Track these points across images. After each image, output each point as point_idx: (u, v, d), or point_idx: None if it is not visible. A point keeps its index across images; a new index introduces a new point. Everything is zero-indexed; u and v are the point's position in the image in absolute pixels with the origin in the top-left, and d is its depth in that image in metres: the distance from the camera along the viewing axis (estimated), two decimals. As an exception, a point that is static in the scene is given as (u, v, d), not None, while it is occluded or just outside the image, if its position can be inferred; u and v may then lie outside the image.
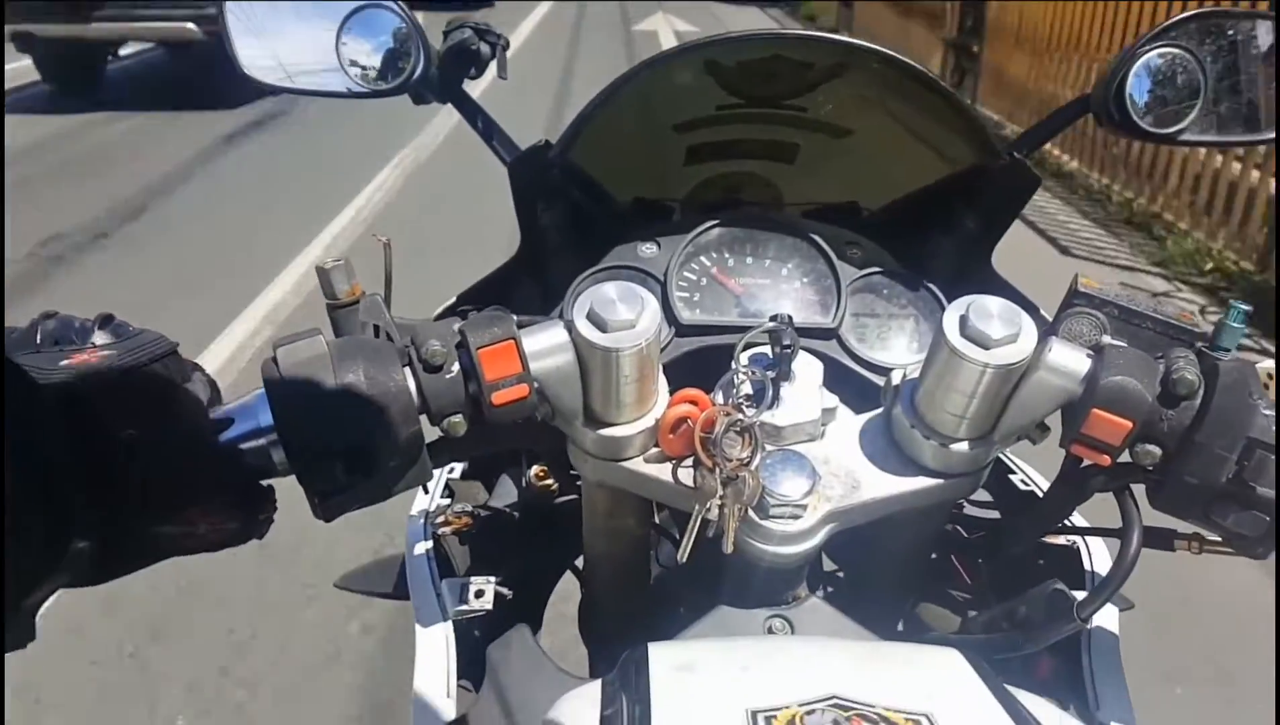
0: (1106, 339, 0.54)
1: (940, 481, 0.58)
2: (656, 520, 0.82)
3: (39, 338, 0.47)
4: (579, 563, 0.79)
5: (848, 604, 0.66)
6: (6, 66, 6.94)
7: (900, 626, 0.75)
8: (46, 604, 0.41)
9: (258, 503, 0.50)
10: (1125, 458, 0.52)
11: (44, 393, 0.40)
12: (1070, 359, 0.52)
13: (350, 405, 0.47)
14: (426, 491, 0.79)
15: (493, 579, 0.67)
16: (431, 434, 0.54)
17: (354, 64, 0.86)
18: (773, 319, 0.60)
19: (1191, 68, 0.81)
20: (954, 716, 0.42)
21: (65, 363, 0.42)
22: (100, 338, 0.48)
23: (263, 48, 0.87)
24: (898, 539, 0.68)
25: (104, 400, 0.42)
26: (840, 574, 0.78)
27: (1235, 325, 0.54)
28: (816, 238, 0.80)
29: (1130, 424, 0.49)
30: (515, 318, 0.55)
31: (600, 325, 0.52)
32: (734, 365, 0.59)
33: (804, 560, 0.60)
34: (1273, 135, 0.85)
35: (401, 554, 0.77)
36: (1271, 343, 2.79)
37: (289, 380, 0.47)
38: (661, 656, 0.49)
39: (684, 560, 0.57)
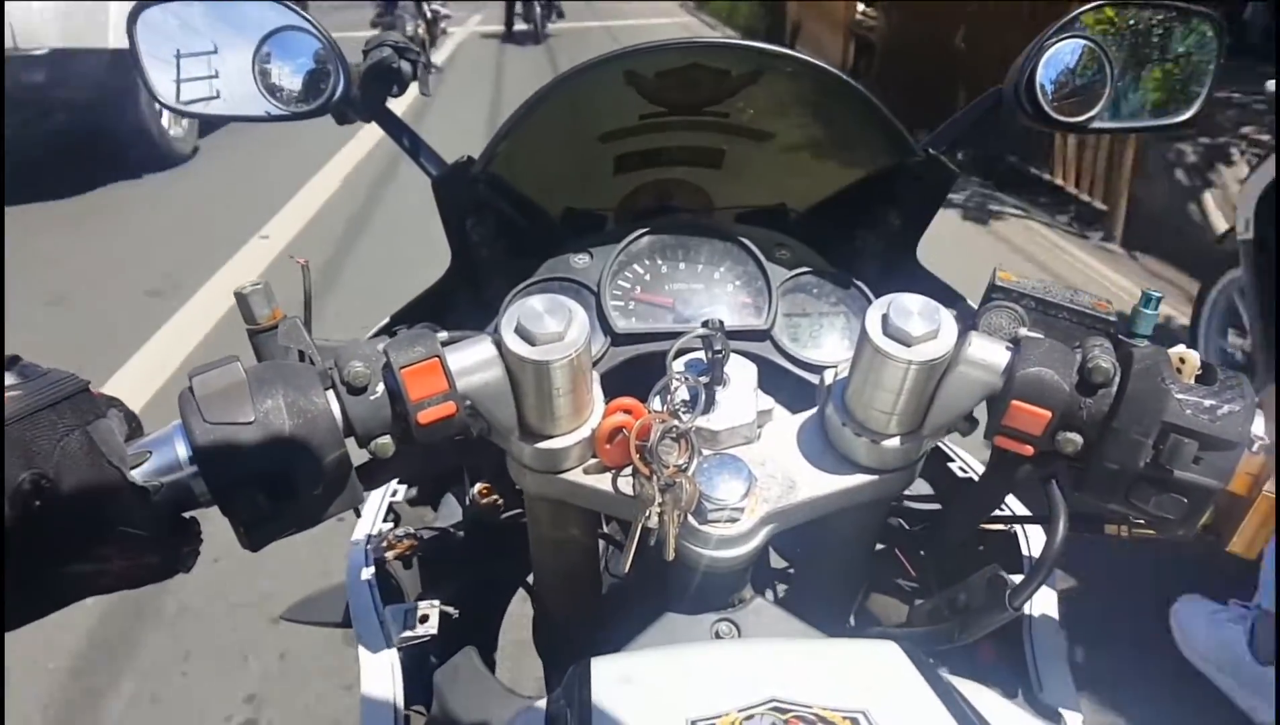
0: (1023, 331, 0.55)
1: (875, 477, 0.59)
2: (605, 530, 0.82)
3: None
4: (530, 579, 0.78)
5: (795, 602, 0.66)
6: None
7: (851, 621, 0.76)
8: None
9: (180, 536, 0.49)
10: (1050, 447, 0.53)
11: None
12: (989, 352, 0.53)
13: (270, 432, 0.47)
14: (359, 515, 0.78)
15: (436, 603, 0.67)
16: (361, 457, 0.53)
17: (273, 86, 0.85)
18: (704, 325, 0.61)
19: (1098, 57, 0.84)
20: (889, 711, 0.43)
21: None
22: (8, 379, 0.46)
23: (175, 72, 0.85)
24: (840, 535, 0.68)
25: (8, 443, 0.41)
26: (790, 571, 0.79)
27: (1149, 312, 0.56)
28: (746, 241, 0.81)
29: (1049, 414, 0.51)
30: (444, 335, 0.55)
31: (529, 338, 0.52)
32: (668, 372, 0.60)
33: (746, 563, 0.60)
34: (1180, 118, 0.89)
35: (345, 582, 0.76)
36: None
37: (206, 410, 0.47)
38: (603, 670, 0.49)
39: (626, 569, 0.57)
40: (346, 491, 0.52)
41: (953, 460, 0.84)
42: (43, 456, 0.42)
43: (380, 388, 0.51)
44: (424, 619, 0.66)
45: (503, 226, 0.83)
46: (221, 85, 0.85)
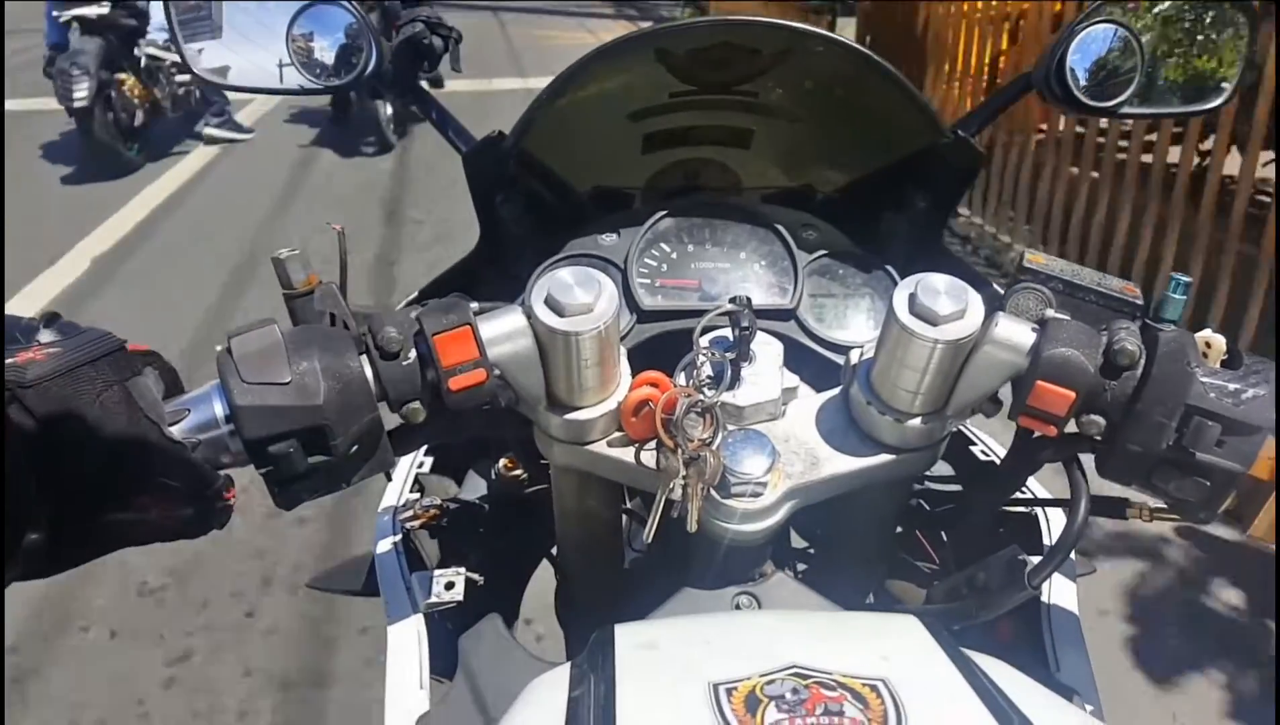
0: (1050, 312, 0.56)
1: (897, 456, 0.59)
2: (629, 504, 0.83)
3: None
4: (554, 550, 0.80)
5: (815, 579, 0.67)
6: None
7: (870, 599, 0.77)
8: None
9: (215, 493, 0.50)
10: (1072, 428, 0.53)
11: None
12: (1016, 333, 0.53)
13: (306, 392, 0.48)
14: (389, 479, 0.79)
15: (462, 570, 0.68)
16: (393, 422, 0.54)
17: (305, 60, 0.85)
18: (731, 301, 0.61)
19: (1129, 42, 0.84)
20: (909, 679, 0.43)
21: (9, 362, 0.43)
22: (45, 336, 0.48)
23: (211, 47, 0.86)
24: (861, 514, 0.69)
25: (48, 398, 0.43)
26: (809, 550, 0.80)
27: (1176, 296, 0.56)
28: (772, 221, 0.82)
29: (1073, 395, 0.51)
30: (474, 305, 0.56)
31: (558, 310, 0.53)
32: (694, 347, 0.60)
33: (768, 537, 0.61)
34: (1211, 105, 0.88)
35: (372, 552, 0.77)
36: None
37: (243, 370, 0.48)
38: (627, 636, 0.50)
39: (649, 540, 0.58)
40: (378, 455, 0.53)
41: (974, 443, 0.84)
42: (83, 410, 0.43)
43: (413, 354, 0.51)
44: (450, 585, 0.68)
45: (531, 203, 0.84)
46: (255, 58, 0.86)
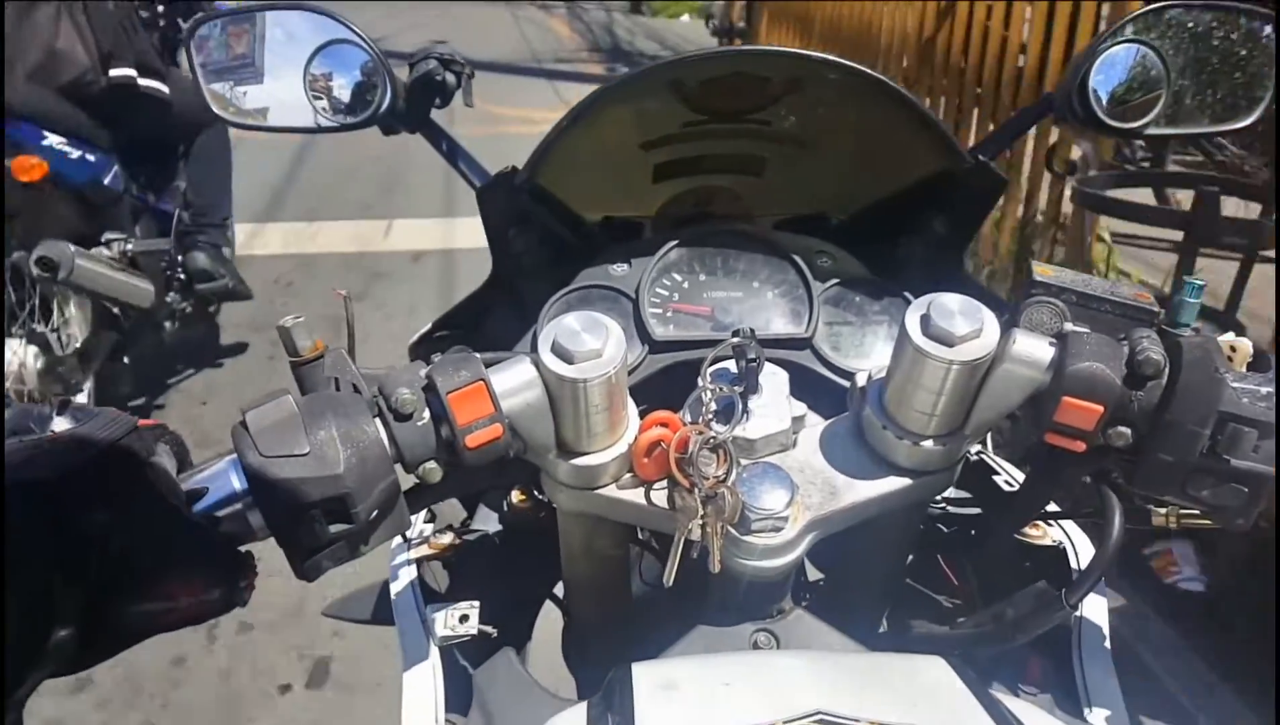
0: (1069, 326, 0.54)
1: (916, 479, 0.58)
2: (640, 535, 0.82)
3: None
4: (558, 590, 0.79)
5: (833, 612, 0.66)
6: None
7: (884, 627, 0.75)
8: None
9: (238, 570, 0.50)
10: (1100, 442, 0.52)
11: (7, 487, 0.40)
12: (1035, 348, 0.52)
13: (325, 462, 0.47)
14: (406, 540, 0.78)
15: (476, 604, 0.67)
16: (407, 482, 0.53)
17: (322, 98, 0.86)
18: (735, 334, 0.61)
19: (1153, 61, 0.82)
20: None
21: (27, 456, 0.42)
22: (60, 423, 0.47)
23: (230, 86, 0.87)
24: (878, 540, 0.68)
25: (69, 486, 0.42)
26: (824, 581, 0.78)
27: (1191, 301, 0.55)
28: (786, 249, 0.81)
29: (1101, 409, 0.50)
30: (481, 356, 0.55)
31: (566, 357, 0.52)
32: (700, 383, 0.59)
33: (788, 572, 0.59)
34: (1241, 123, 0.86)
35: (385, 579, 0.77)
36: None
37: (261, 443, 0.47)
38: (645, 676, 0.48)
39: (670, 583, 0.56)
40: (394, 517, 0.52)
41: (994, 471, 0.82)
42: (105, 499, 0.43)
43: (426, 413, 0.51)
44: (464, 619, 0.67)
45: (543, 235, 0.84)
46: (273, 97, 0.87)
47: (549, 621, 0.81)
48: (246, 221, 4.11)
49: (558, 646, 0.78)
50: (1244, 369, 0.50)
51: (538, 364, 0.53)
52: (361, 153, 5.35)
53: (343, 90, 0.87)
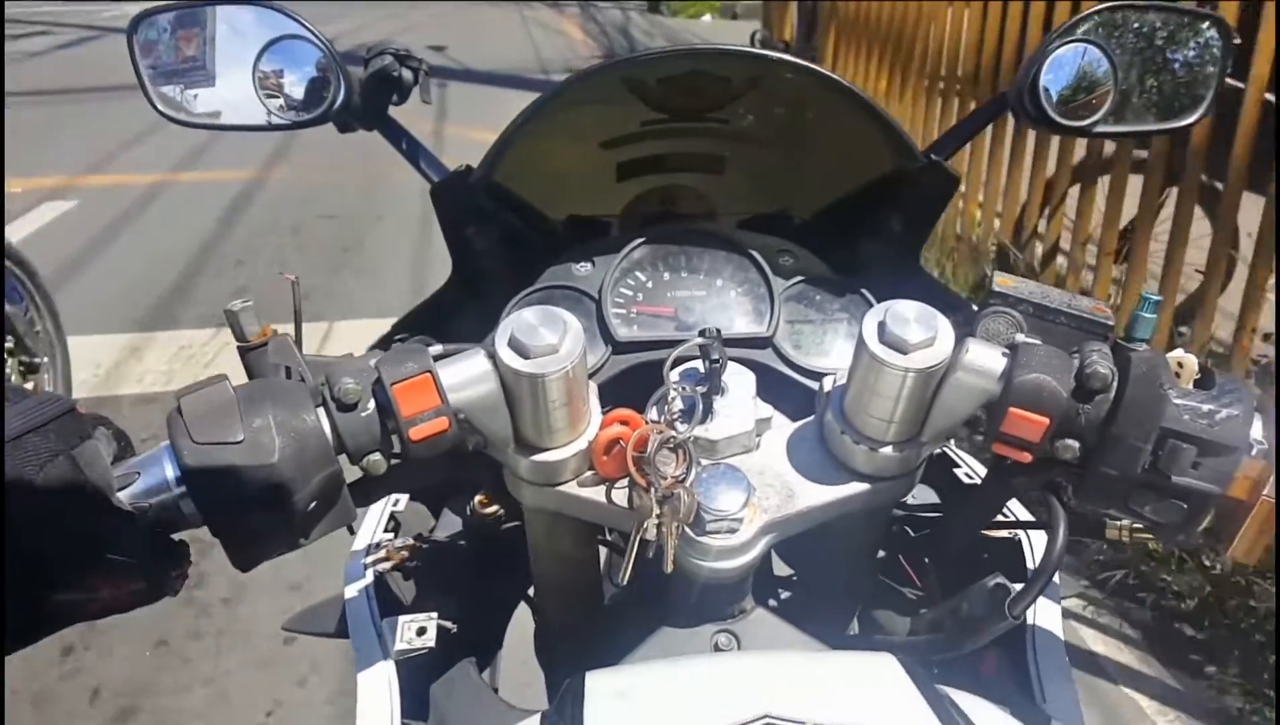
0: (1020, 337, 0.55)
1: (874, 485, 0.58)
2: (609, 538, 0.81)
3: None
4: (531, 592, 0.78)
5: (798, 611, 0.66)
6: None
7: (855, 628, 0.75)
8: None
9: (169, 558, 0.49)
10: (1048, 453, 0.52)
11: None
12: (986, 358, 0.53)
13: (259, 450, 0.46)
14: (352, 533, 0.77)
15: (434, 615, 0.66)
16: (355, 474, 0.53)
17: (273, 96, 0.85)
18: (702, 333, 0.60)
19: (1101, 61, 0.83)
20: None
21: None
22: None
23: (176, 84, 0.85)
24: (842, 543, 0.68)
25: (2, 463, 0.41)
26: (793, 579, 0.79)
27: (1147, 316, 0.55)
28: (748, 248, 0.81)
29: (1047, 421, 0.50)
30: (437, 348, 0.54)
31: (523, 351, 0.52)
32: (665, 382, 0.59)
33: (745, 573, 0.60)
34: (1185, 121, 0.88)
35: (342, 592, 0.75)
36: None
37: (194, 429, 0.46)
38: (598, 684, 0.48)
39: (624, 582, 0.56)
40: (338, 509, 0.51)
41: (958, 466, 0.83)
42: (27, 483, 0.42)
43: (371, 404, 0.50)
44: (421, 631, 0.66)
45: (505, 234, 0.83)
46: (222, 95, 0.85)
47: (523, 627, 0.81)
48: (127, 331, 3.29)
49: (531, 652, 0.78)
50: (1190, 386, 0.51)
51: (493, 358, 0.53)
52: (313, 208, 4.78)
53: (295, 87, 0.85)
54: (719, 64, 0.75)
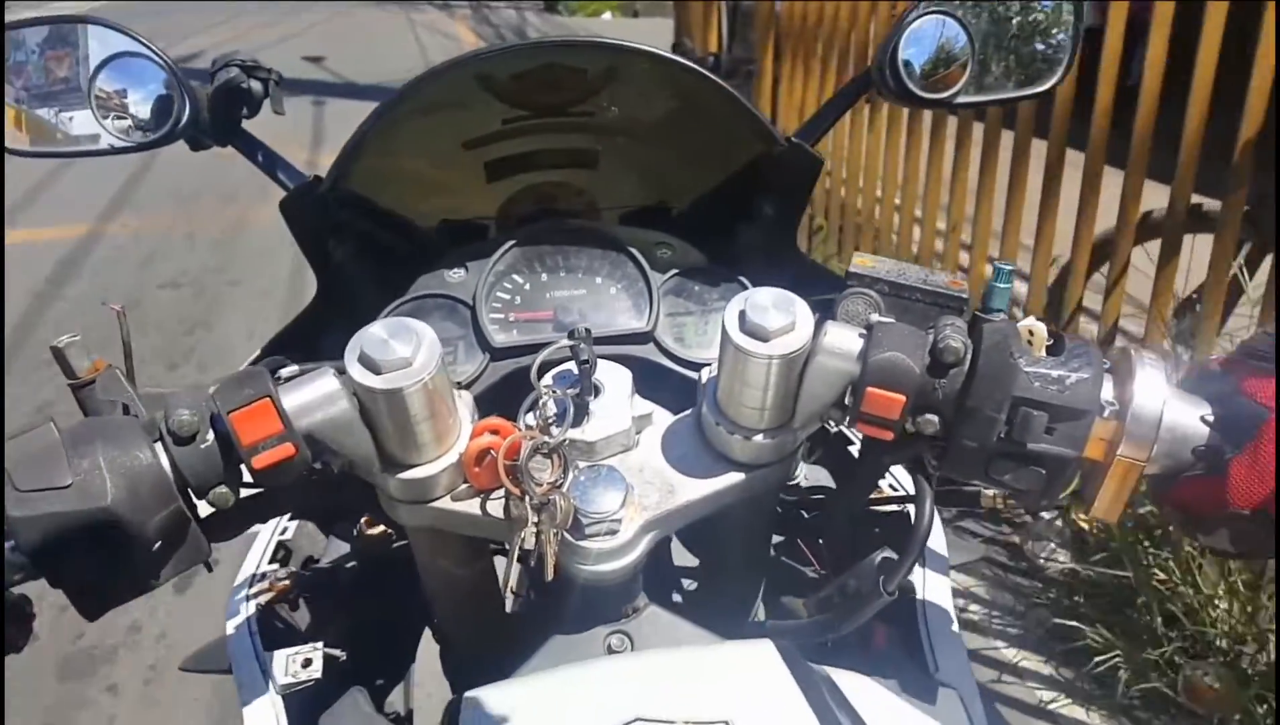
0: (875, 317, 0.55)
1: (752, 474, 0.58)
2: (506, 546, 0.80)
3: None
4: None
5: (695, 603, 0.65)
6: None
7: (761, 615, 0.75)
8: None
9: (6, 615, 0.46)
10: (910, 429, 0.53)
11: None
12: (844, 340, 0.53)
13: (89, 493, 0.44)
14: (209, 569, 0.74)
15: (320, 645, 0.64)
16: (208, 509, 0.50)
17: (117, 117, 0.80)
18: (571, 335, 0.59)
19: (958, 32, 0.85)
20: (755, 716, 0.42)
21: None
22: None
23: (6, 112, 0.80)
24: (733, 531, 0.68)
25: None
26: (689, 573, 0.78)
27: (1002, 286, 0.56)
28: (624, 243, 0.80)
29: (903, 398, 0.50)
30: (293, 369, 0.52)
31: (374, 367, 0.50)
32: (535, 386, 0.58)
33: (631, 573, 0.59)
34: (1043, 87, 0.90)
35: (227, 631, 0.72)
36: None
37: (18, 478, 0.44)
38: (478, 705, 0.47)
39: (507, 593, 0.55)
40: (188, 548, 0.49)
41: (849, 440, 0.84)
42: None
43: (210, 435, 0.48)
44: (307, 663, 0.63)
45: (367, 245, 0.80)
46: (57, 120, 0.80)
47: (426, 652, 0.78)
48: None
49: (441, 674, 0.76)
50: (1042, 353, 0.51)
51: (342, 376, 0.51)
52: (154, 272, 3.90)
53: (139, 106, 0.81)
54: (571, 57, 0.73)
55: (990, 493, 0.63)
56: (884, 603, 0.55)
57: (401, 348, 0.50)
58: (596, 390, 0.61)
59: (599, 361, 0.60)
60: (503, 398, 0.71)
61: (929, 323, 0.54)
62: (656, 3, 11.10)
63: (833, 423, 0.58)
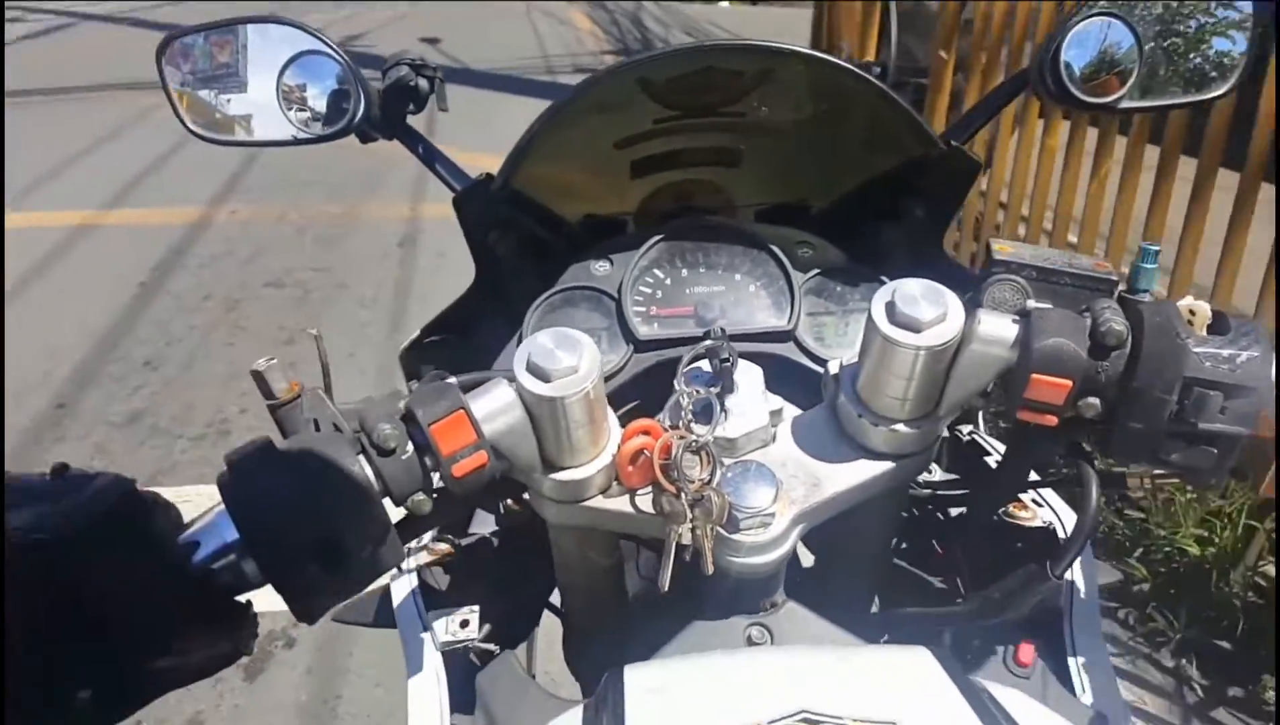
0: (1031, 303, 0.55)
1: (894, 464, 0.59)
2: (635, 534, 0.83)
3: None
4: (555, 598, 0.80)
5: (825, 601, 0.67)
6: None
7: (876, 606, 0.76)
8: None
9: (239, 619, 0.51)
10: (1071, 413, 0.53)
11: (19, 553, 0.42)
12: (999, 328, 0.53)
13: (313, 503, 0.48)
14: (401, 572, 0.80)
15: (476, 609, 0.69)
16: (397, 514, 0.54)
17: (297, 111, 0.86)
18: (707, 336, 0.62)
19: (1125, 34, 0.82)
20: (921, 720, 0.43)
21: (32, 520, 0.43)
22: (58, 488, 0.47)
23: (203, 104, 0.87)
24: (864, 526, 0.69)
25: (72, 551, 0.43)
26: (814, 569, 0.80)
27: (1148, 266, 0.56)
28: (766, 241, 0.81)
29: (1070, 383, 0.51)
30: (458, 380, 0.55)
31: (543, 376, 0.53)
32: (677, 387, 0.60)
33: (778, 566, 0.61)
34: (1212, 95, 0.86)
35: (386, 585, 0.78)
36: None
37: (246, 490, 0.48)
38: (636, 679, 0.50)
39: (665, 588, 0.57)
40: (388, 551, 0.53)
41: (985, 452, 0.83)
42: (108, 562, 0.44)
43: (409, 447, 0.51)
44: (464, 624, 0.68)
45: (525, 237, 0.84)
46: (248, 112, 0.87)
47: (551, 622, 0.83)
48: None
49: (558, 644, 0.80)
50: (1204, 332, 0.51)
51: (515, 384, 0.54)
52: (258, 269, 3.72)
53: (317, 101, 0.87)
54: (730, 60, 0.75)
55: (1138, 473, 0.63)
56: (1050, 587, 0.55)
57: (567, 357, 0.53)
58: (733, 388, 0.62)
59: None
60: (639, 388, 0.74)
61: (1079, 306, 0.54)
62: (778, -7, 10.63)
63: (974, 411, 0.59)
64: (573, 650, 0.79)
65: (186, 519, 0.52)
